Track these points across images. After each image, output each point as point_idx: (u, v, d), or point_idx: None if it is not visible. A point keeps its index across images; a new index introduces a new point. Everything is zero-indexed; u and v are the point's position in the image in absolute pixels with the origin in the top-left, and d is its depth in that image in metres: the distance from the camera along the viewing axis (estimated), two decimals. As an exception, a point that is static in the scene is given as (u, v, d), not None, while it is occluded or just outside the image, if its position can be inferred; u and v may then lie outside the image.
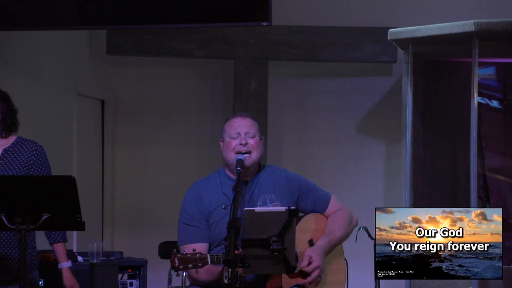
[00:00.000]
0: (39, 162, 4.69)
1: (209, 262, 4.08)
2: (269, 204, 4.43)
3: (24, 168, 4.65)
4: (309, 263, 4.34)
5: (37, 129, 6.37)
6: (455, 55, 6.57)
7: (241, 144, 4.41)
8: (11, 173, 4.62)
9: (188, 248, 4.22)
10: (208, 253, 4.26)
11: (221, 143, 4.51)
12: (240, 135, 4.43)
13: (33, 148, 4.70)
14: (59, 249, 4.77)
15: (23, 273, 4.22)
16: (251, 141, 4.43)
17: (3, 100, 4.68)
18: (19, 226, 4.18)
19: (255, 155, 4.43)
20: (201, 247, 4.27)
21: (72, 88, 7.28)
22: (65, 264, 4.78)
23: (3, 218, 4.18)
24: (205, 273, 4.23)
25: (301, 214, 4.54)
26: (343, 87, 7.65)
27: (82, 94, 7.45)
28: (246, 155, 4.40)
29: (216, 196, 4.42)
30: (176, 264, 4.06)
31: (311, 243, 4.45)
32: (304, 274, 4.35)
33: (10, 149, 4.68)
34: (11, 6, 5.38)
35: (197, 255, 4.07)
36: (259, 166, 4.53)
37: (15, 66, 6.51)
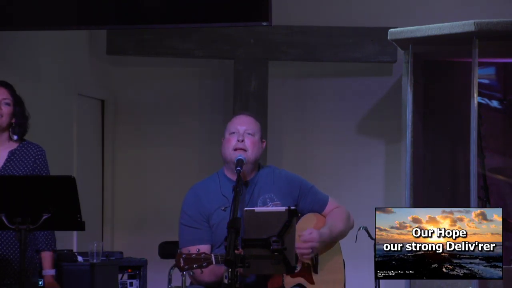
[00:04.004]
0: (41, 165, 4.71)
1: (214, 262, 4.08)
2: (269, 204, 4.43)
3: (29, 171, 4.66)
4: (309, 233, 4.35)
5: (37, 129, 6.34)
6: (455, 55, 6.57)
7: (238, 140, 4.41)
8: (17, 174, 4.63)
9: (192, 250, 4.22)
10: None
11: (223, 141, 4.51)
12: (239, 132, 4.42)
13: (37, 152, 4.72)
14: (47, 257, 4.72)
15: (22, 273, 4.22)
16: (248, 139, 4.42)
17: (20, 106, 4.71)
18: (19, 226, 4.18)
19: (249, 154, 4.40)
20: (203, 248, 4.25)
21: (72, 88, 7.28)
22: (49, 272, 4.72)
23: (3, 218, 4.18)
24: (209, 273, 4.23)
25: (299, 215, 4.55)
26: (343, 87, 7.65)
27: (82, 94, 7.45)
28: (241, 150, 4.39)
29: (215, 198, 4.42)
30: (182, 265, 4.06)
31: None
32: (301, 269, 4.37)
33: (17, 151, 4.69)
34: (11, 6, 5.38)
35: (202, 255, 4.07)
36: (258, 166, 4.53)
37: (15, 66, 6.50)
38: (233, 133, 4.43)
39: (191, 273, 4.16)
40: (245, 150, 4.39)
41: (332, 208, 4.57)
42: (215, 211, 4.39)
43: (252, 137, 4.43)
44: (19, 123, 4.70)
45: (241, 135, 4.41)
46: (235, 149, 4.39)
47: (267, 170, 4.54)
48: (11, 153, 4.68)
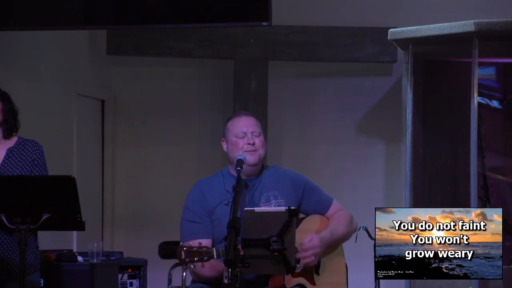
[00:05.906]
0: (38, 161, 4.70)
1: (215, 256, 4.09)
2: (273, 201, 4.45)
3: (28, 168, 4.65)
4: (310, 241, 4.35)
5: (37, 129, 6.36)
6: (455, 55, 6.57)
7: (249, 143, 4.46)
8: (16, 173, 4.62)
9: (193, 244, 4.22)
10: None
11: (223, 143, 4.54)
12: (247, 134, 4.47)
13: (34, 148, 4.71)
14: None
15: (22, 273, 4.22)
16: (257, 140, 4.48)
17: (5, 101, 4.69)
18: (19, 226, 4.19)
19: (262, 152, 4.49)
20: (204, 242, 4.26)
21: (72, 88, 7.28)
22: None
23: (3, 218, 4.18)
24: (210, 268, 4.25)
25: (301, 215, 4.55)
26: (343, 87, 7.65)
27: (82, 94, 7.45)
28: (253, 151, 4.43)
29: (218, 193, 4.46)
30: (183, 257, 4.07)
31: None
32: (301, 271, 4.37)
33: (14, 149, 4.69)
34: (12, 6, 5.39)
35: (203, 248, 4.08)
36: (262, 166, 4.55)
37: (15, 66, 6.51)
38: (241, 136, 4.46)
39: (192, 266, 4.16)
40: (256, 150, 4.46)
41: (335, 211, 4.58)
42: (217, 206, 4.43)
43: (259, 137, 4.51)
44: (8, 119, 4.68)
45: (251, 138, 4.49)
46: (247, 151, 4.44)
47: (271, 170, 4.59)
48: (9, 151, 4.68)
